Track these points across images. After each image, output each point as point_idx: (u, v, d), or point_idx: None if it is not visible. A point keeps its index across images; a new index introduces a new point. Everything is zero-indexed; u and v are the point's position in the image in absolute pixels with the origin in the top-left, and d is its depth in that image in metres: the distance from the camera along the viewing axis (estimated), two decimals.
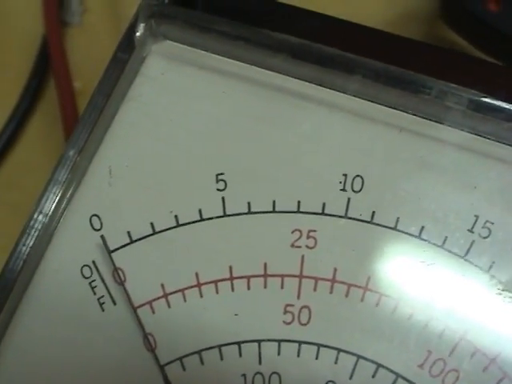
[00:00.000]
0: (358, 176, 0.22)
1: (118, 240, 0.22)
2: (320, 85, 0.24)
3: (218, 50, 0.24)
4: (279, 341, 0.22)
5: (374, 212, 0.22)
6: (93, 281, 0.22)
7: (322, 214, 0.22)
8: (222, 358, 0.22)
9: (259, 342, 0.22)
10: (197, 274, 0.22)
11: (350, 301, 0.22)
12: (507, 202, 0.22)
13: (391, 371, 0.21)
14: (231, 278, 0.22)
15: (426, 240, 0.22)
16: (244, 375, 0.21)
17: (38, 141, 0.34)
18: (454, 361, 0.21)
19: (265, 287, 0.22)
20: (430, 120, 0.23)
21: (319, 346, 0.21)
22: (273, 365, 0.21)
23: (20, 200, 0.30)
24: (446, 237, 0.22)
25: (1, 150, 0.34)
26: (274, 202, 0.22)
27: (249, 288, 0.22)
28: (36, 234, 0.23)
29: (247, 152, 0.23)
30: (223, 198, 0.23)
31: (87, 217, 0.23)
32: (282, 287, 0.22)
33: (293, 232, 0.22)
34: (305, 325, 0.22)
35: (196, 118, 0.24)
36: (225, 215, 0.23)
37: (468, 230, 0.22)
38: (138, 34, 0.24)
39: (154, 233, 0.22)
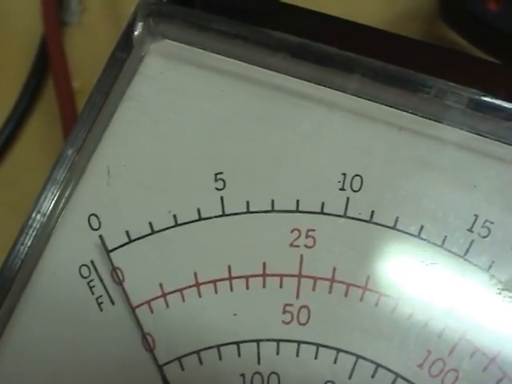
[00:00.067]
0: (357, 175, 0.22)
1: (116, 239, 0.22)
2: (319, 84, 0.24)
3: (217, 48, 0.24)
4: (278, 341, 0.21)
5: (373, 211, 0.22)
6: (91, 280, 0.22)
7: (321, 213, 0.22)
8: (220, 358, 0.22)
9: (258, 341, 0.21)
10: (195, 274, 0.22)
11: (349, 300, 0.21)
12: (507, 202, 0.22)
13: (390, 371, 0.21)
14: (230, 278, 0.22)
15: (425, 239, 0.22)
16: (243, 375, 0.21)
17: (37, 140, 0.34)
18: (453, 360, 0.21)
19: (264, 287, 0.22)
20: (430, 119, 0.23)
21: (318, 345, 0.21)
22: (272, 365, 0.21)
23: (18, 199, 0.30)
24: (446, 236, 0.22)
25: None
26: (272, 201, 0.22)
27: (247, 288, 0.22)
28: (34, 233, 0.23)
29: (246, 151, 0.23)
30: (222, 198, 0.23)
31: (85, 216, 0.23)
32: (280, 287, 0.22)
33: (292, 231, 0.22)
34: (304, 324, 0.22)
35: (195, 117, 0.24)
36: (223, 215, 0.22)
37: (467, 230, 0.22)
38: (136, 32, 0.24)
39: (153, 232, 0.22)
